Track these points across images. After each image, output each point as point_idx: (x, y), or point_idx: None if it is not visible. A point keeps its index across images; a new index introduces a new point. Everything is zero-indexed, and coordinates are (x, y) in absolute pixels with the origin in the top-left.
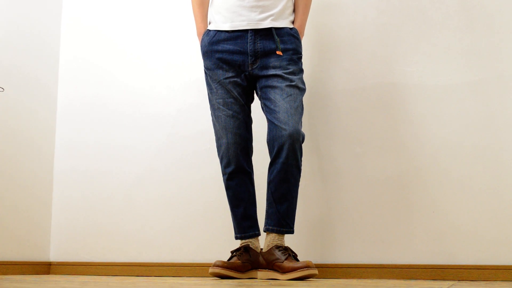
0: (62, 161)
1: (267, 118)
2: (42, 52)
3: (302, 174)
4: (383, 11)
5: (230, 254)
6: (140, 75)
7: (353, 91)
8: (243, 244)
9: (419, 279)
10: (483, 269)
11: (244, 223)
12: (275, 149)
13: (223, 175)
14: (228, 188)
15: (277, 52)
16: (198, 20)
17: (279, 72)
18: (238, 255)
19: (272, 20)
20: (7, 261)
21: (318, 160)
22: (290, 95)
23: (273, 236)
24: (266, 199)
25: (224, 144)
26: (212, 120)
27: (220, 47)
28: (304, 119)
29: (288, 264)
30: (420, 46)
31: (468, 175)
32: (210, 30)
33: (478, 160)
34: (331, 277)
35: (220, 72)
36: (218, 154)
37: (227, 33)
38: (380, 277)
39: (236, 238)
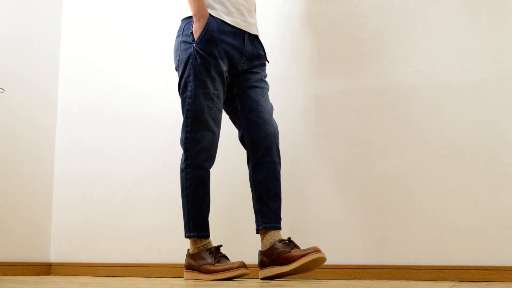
0: (62, 162)
1: (245, 117)
2: (42, 53)
3: (302, 174)
4: (384, 12)
5: (221, 254)
6: (140, 76)
7: (353, 92)
8: (211, 244)
9: (420, 280)
10: (484, 269)
11: (207, 221)
12: (263, 148)
13: (200, 169)
14: (203, 184)
15: (267, 61)
16: (202, 0)
17: (261, 75)
18: (223, 255)
19: (256, 27)
20: (7, 262)
21: (318, 160)
22: (268, 97)
23: (272, 233)
24: (256, 197)
25: (210, 137)
26: (195, 108)
27: (225, 38)
28: (304, 119)
29: (295, 252)
30: (421, 46)
31: (468, 175)
32: (214, 17)
33: (478, 160)
34: (331, 278)
35: (221, 63)
36: (193, 146)
37: (228, 27)
38: (380, 278)
39: (204, 236)
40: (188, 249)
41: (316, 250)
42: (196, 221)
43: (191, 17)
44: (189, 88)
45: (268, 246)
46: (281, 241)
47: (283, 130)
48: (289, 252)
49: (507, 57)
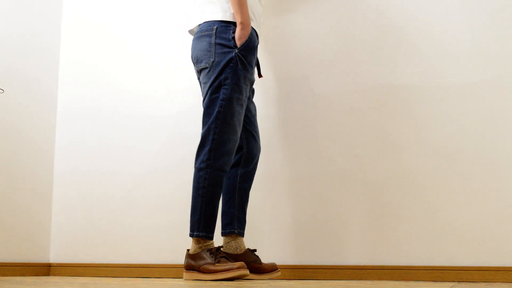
0: (62, 162)
1: (245, 128)
2: (42, 53)
3: (301, 175)
4: (383, 12)
5: (221, 254)
6: (140, 76)
7: (353, 92)
8: (213, 245)
9: (419, 280)
10: (483, 270)
11: (216, 222)
12: (255, 161)
13: (221, 171)
14: (220, 186)
15: (260, 76)
16: (248, 10)
17: (253, 89)
18: (223, 255)
19: None
20: (7, 263)
21: (318, 161)
22: None
23: (242, 239)
24: (237, 203)
25: (234, 141)
26: (227, 112)
27: (256, 48)
28: (304, 120)
29: (265, 265)
30: (420, 47)
31: (468, 176)
32: (252, 27)
33: (478, 161)
34: (331, 278)
35: (252, 72)
36: (218, 147)
37: (257, 38)
38: (380, 278)
39: (210, 237)
40: (188, 250)
41: (275, 268)
42: (207, 221)
43: (228, 22)
44: (223, 91)
45: (240, 252)
46: (249, 250)
47: (283, 130)
48: (261, 264)
49: (506, 57)
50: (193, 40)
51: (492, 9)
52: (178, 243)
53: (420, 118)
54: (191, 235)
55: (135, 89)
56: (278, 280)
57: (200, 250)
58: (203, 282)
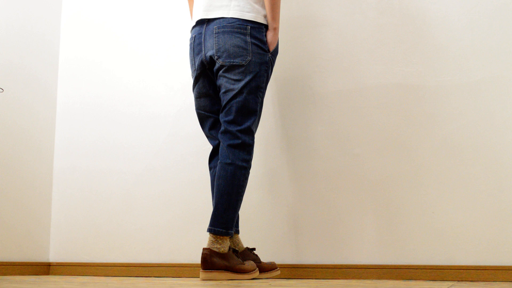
0: (62, 161)
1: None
2: (41, 51)
3: (301, 174)
4: (383, 12)
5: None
6: (140, 74)
7: (352, 92)
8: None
9: (419, 279)
10: (483, 269)
11: None
12: None
13: (249, 168)
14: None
15: None
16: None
17: None
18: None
19: None
20: (6, 262)
21: (317, 160)
22: None
23: (238, 237)
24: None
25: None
26: (259, 115)
27: None
28: (304, 119)
29: (265, 264)
30: (420, 46)
31: (467, 175)
32: None
33: (477, 160)
34: (331, 277)
35: None
36: (253, 142)
37: None
38: (379, 277)
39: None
40: (207, 248)
41: (275, 267)
42: (236, 218)
43: (259, 23)
44: (259, 94)
45: (238, 250)
46: (248, 249)
47: (283, 130)
48: (260, 262)
49: (506, 57)
50: (219, 32)
51: (492, 9)
52: (178, 243)
53: (420, 118)
54: (224, 234)
55: (135, 88)
56: (277, 279)
57: (228, 249)
58: (202, 281)
